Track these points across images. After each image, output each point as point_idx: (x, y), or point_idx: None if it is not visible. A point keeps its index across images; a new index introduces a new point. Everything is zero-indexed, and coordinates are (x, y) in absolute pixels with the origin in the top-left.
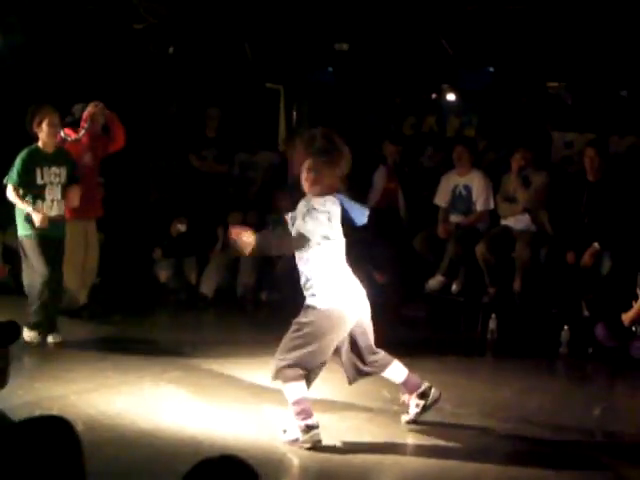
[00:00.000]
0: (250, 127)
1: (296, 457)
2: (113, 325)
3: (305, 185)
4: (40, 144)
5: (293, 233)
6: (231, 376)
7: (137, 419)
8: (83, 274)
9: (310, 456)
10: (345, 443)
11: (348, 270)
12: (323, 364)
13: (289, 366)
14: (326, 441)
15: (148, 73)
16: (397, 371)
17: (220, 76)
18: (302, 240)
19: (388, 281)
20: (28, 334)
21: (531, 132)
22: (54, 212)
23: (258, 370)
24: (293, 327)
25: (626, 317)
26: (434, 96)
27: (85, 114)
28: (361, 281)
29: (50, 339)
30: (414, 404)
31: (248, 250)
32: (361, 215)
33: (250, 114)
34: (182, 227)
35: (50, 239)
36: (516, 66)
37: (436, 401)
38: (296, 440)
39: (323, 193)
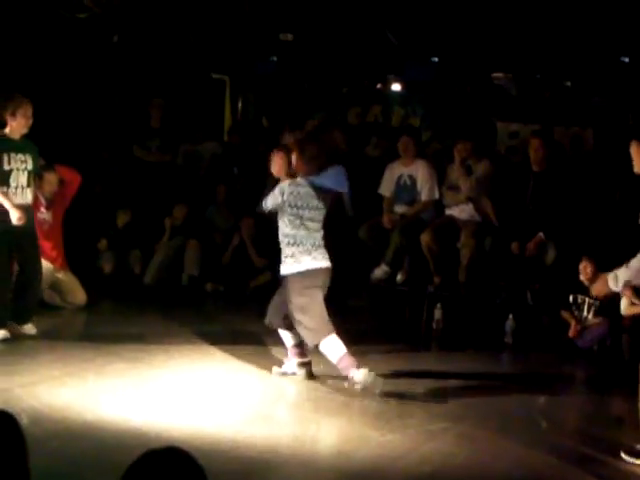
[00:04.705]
0: (194, 117)
1: (240, 447)
2: (57, 317)
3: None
4: (7, 131)
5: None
6: (175, 367)
7: (82, 411)
8: None
9: (257, 446)
10: (293, 434)
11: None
12: None
13: (315, 328)
14: (273, 431)
15: (92, 63)
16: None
17: (165, 66)
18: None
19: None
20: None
21: (475, 122)
22: (18, 199)
23: (202, 361)
24: (292, 300)
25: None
26: (379, 86)
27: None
28: None
29: (25, 330)
30: (295, 363)
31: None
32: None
33: (195, 104)
34: None
35: (15, 229)
36: (461, 57)
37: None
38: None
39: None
